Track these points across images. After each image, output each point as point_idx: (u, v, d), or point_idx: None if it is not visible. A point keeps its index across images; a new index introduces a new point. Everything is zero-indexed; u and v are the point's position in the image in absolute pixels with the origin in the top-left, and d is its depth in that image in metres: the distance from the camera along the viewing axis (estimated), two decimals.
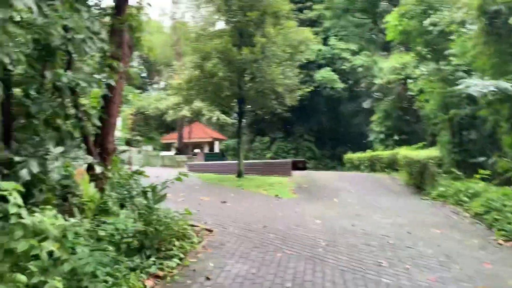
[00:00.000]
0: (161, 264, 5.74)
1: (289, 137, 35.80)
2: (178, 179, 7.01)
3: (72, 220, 4.29)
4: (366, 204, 11.84)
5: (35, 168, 5.05)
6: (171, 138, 45.24)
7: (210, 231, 8.17)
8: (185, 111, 30.04)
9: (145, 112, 38.07)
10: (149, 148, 43.65)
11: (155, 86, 56.23)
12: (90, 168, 7.43)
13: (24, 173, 4.92)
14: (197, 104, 26.30)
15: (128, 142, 43.21)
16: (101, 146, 8.15)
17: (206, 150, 43.93)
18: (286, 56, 16.50)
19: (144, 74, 55.25)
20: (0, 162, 5.19)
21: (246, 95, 17.69)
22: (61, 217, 4.16)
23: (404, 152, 17.40)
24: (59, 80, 5.73)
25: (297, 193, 14.38)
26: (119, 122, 31.39)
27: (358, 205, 11.69)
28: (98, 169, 5.80)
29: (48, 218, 3.97)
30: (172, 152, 33.46)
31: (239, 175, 18.20)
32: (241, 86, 17.26)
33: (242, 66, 16.45)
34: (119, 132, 34.77)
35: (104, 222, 5.52)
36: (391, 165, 21.31)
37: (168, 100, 31.87)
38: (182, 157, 35.20)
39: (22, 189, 4.36)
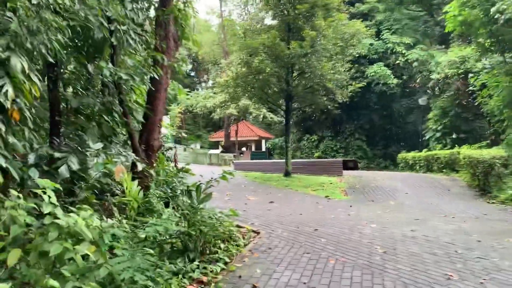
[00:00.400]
0: (204, 268, 5.35)
1: (338, 135, 34.74)
2: (224, 178, 6.60)
3: (110, 221, 3.96)
4: (425, 208, 10.92)
5: (75, 165, 4.82)
6: (219, 136, 45.50)
7: (257, 233, 7.71)
8: (232, 109, 29.89)
9: (193, 111, 38.38)
10: (197, 146, 44.17)
11: (203, 84, 56.88)
12: (134, 165, 7.21)
13: (63, 170, 4.69)
14: (244, 101, 26.05)
15: (177, 140, 43.98)
16: (146, 143, 7.93)
17: (253, 148, 43.75)
18: (336, 50, 15.75)
19: (192, 73, 56.15)
20: (42, 159, 5.03)
21: (294, 92, 17.11)
22: (98, 218, 3.85)
23: (466, 152, 16.09)
24: (101, 74, 5.50)
25: (349, 194, 13.65)
26: (167, 120, 31.87)
27: (416, 208, 10.79)
28: (139, 167, 5.47)
29: (83, 219, 3.66)
30: (218, 151, 33.50)
31: (287, 174, 17.67)
32: (289, 82, 16.72)
33: (290, 61, 15.90)
34: (167, 129, 35.40)
35: (145, 223, 5.21)
36: (450, 165, 19.93)
37: (215, 98, 31.87)
38: (229, 155, 35.19)
39: (59, 187, 4.13)
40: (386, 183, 15.94)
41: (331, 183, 15.85)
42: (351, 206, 10.79)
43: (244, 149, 30.49)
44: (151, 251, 4.52)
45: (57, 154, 4.89)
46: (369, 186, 15.24)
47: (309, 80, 16.84)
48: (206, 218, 6.05)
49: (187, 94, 39.41)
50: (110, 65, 5.42)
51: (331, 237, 7.17)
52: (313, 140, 34.98)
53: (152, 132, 8.16)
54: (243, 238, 7.18)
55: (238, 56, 17.46)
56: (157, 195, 7.17)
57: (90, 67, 5.44)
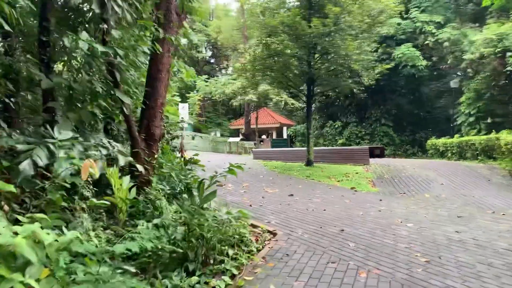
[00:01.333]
0: (206, 284, 4.37)
1: (363, 121, 33.18)
2: (231, 171, 5.55)
3: (69, 234, 2.97)
4: (467, 201, 9.62)
5: (43, 160, 3.85)
6: (239, 124, 44.55)
7: (274, 234, 6.67)
8: (251, 95, 28.74)
9: (212, 98, 37.44)
10: (217, 134, 43.36)
11: (223, 71, 55.77)
12: (135, 155, 6.29)
13: (25, 166, 3.72)
14: (264, 87, 24.89)
15: (196, 129, 43.23)
16: (146, 131, 6.94)
17: (274, 136, 42.62)
18: (363, 27, 14.35)
19: (212, 60, 55.11)
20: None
21: (316, 74, 15.85)
22: (50, 231, 2.87)
23: (509, 137, 14.55)
24: (77, 47, 4.49)
25: (377, 185, 12.43)
26: (185, 108, 30.94)
27: (456, 202, 9.51)
28: (121, 161, 4.47)
29: (26, 233, 2.68)
30: (238, 139, 32.51)
31: (309, 163, 16.53)
32: (310, 64, 15.47)
33: (312, 41, 14.63)
34: (186, 117, 34.67)
35: (122, 236, 4.22)
36: (486, 152, 18.35)
37: (234, 85, 30.78)
38: (249, 143, 34.19)
39: (13, 189, 3.18)
40: (417, 172, 14.60)
41: (357, 173, 14.63)
42: (381, 200, 9.60)
43: (264, 137, 29.41)
44: (131, 269, 3.52)
45: (20, 146, 3.92)
46: (399, 176, 13.94)
47: (332, 61, 15.56)
48: (210, 221, 5.03)
49: (206, 81, 38.48)
50: (86, 36, 4.39)
51: (360, 240, 6.06)
52: (336, 126, 33.56)
53: (152, 119, 7.15)
54: (257, 241, 6.16)
55: (256, 37, 16.26)
56: (153, 194, 6.20)
57: (67, 40, 4.43)
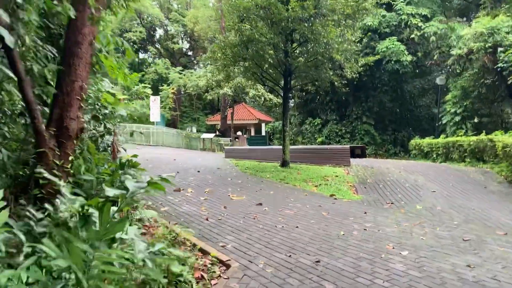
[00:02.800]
0: None
1: (344, 119, 31.76)
2: (156, 186, 3.79)
3: None
4: (467, 217, 8.07)
5: None
6: (216, 119, 42.68)
7: (227, 266, 4.95)
8: (226, 89, 26.92)
9: (186, 91, 35.43)
10: (193, 129, 41.40)
11: (201, 64, 53.65)
12: (40, 157, 4.55)
13: None
14: (238, 80, 23.12)
15: (169, 123, 41.12)
16: (57, 124, 5.10)
17: (252, 132, 40.91)
18: (346, 11, 12.70)
19: (190, 53, 52.89)
20: None
21: (294, 65, 14.16)
22: None
23: (505, 139, 13.18)
24: None
25: (360, 192, 10.82)
26: (157, 101, 28.97)
27: (456, 217, 7.96)
28: None
29: None
30: (212, 135, 30.66)
31: (284, 164, 14.86)
32: (287, 53, 13.75)
33: (289, 26, 12.93)
34: (158, 110, 32.66)
35: None
36: (475, 154, 17.05)
37: (208, 77, 28.90)
38: (225, 140, 32.43)
39: None
40: (403, 176, 13.10)
41: (337, 176, 13.03)
42: (365, 213, 7.97)
43: (239, 133, 27.72)
44: None
45: None
46: (384, 180, 12.40)
47: (312, 51, 13.90)
48: (110, 266, 3.25)
49: (180, 73, 36.41)
50: None
51: (342, 279, 4.37)
52: (316, 124, 32.03)
53: (67, 108, 5.32)
54: (199, 281, 4.42)
55: (227, 21, 14.45)
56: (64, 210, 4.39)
57: None
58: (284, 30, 13.30)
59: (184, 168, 14.57)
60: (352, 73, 14.85)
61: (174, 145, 31.76)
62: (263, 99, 34.02)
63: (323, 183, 11.88)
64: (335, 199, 9.83)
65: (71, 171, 5.49)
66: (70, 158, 5.35)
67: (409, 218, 7.71)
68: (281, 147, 17.31)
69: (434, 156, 21.24)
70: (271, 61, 14.25)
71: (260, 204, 8.71)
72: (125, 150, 8.22)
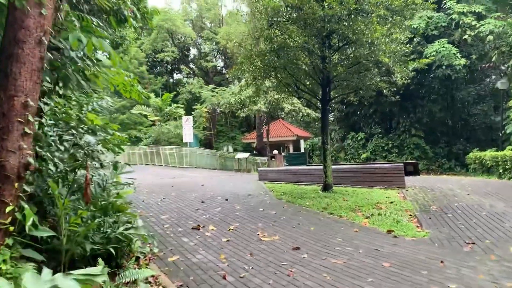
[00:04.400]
0: None
1: (390, 132, 29.18)
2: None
3: None
4: None
5: None
6: (252, 137, 41.06)
7: None
8: (260, 105, 25.19)
9: (220, 109, 34.06)
10: (229, 149, 39.95)
11: (236, 82, 52.54)
12: None
13: None
14: (272, 95, 21.34)
15: (202, 144, 39.84)
16: None
17: (291, 149, 38.86)
18: (394, 3, 10.63)
19: (224, 71, 51.92)
20: None
21: (333, 72, 12.17)
22: None
23: None
24: None
25: (425, 225, 8.52)
26: (190, 121, 27.55)
27: None
28: None
29: None
30: (247, 154, 28.91)
31: (326, 188, 12.75)
32: (325, 59, 11.80)
33: (326, 27, 11.01)
34: (191, 131, 31.42)
35: None
36: None
37: (241, 93, 27.28)
38: (262, 159, 30.57)
39: None
40: (475, 200, 10.65)
41: (391, 203, 10.78)
42: (442, 263, 5.77)
43: (275, 152, 25.77)
44: None
45: None
46: (451, 206, 10.01)
47: (353, 56, 11.88)
48: None
49: (212, 91, 35.15)
50: None
51: None
52: (359, 138, 29.58)
53: (2, 136, 3.65)
54: None
55: (254, 27, 12.73)
56: None
57: None
58: (320, 33, 11.39)
59: (210, 196, 12.79)
60: (403, 78, 12.63)
61: (208, 166, 30.28)
62: (300, 114, 32.06)
63: (375, 212, 9.68)
64: (395, 237, 7.63)
65: (12, 227, 3.80)
66: (8, 208, 3.67)
67: (509, 270, 5.44)
68: (321, 166, 15.23)
69: (500, 171, 18.33)
70: (306, 69, 12.34)
71: (298, 248, 6.69)
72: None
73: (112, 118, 40.40)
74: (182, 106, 35.90)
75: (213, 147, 39.89)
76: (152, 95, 35.77)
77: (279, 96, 15.96)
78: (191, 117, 31.38)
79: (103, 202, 4.68)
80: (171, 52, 41.94)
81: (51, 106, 5.78)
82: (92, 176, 4.93)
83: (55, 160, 4.44)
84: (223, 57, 49.68)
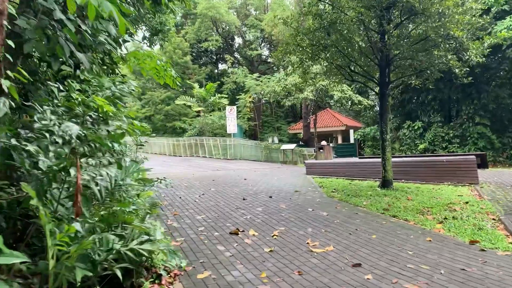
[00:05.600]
0: None
1: (451, 120, 26.64)
2: None
3: None
4: None
5: None
6: (299, 127, 39.52)
7: None
8: (307, 93, 23.62)
9: (264, 98, 32.79)
10: (275, 140, 38.70)
11: (281, 70, 51.00)
12: None
13: None
14: (319, 79, 19.71)
15: (254, 135, 38.80)
16: None
17: (340, 140, 36.95)
18: None
19: (270, 60, 50.50)
20: None
21: (394, 50, 10.48)
22: None
23: None
24: None
25: None
26: (234, 111, 26.54)
27: None
28: None
29: None
30: (293, 145, 27.46)
31: (385, 184, 11.16)
32: (384, 34, 10.15)
33: None
34: (235, 121, 30.42)
35: None
36: None
37: (286, 81, 25.86)
38: (310, 150, 29.05)
39: None
40: None
41: (466, 203, 9.06)
42: None
43: (324, 142, 24.11)
44: None
45: None
46: None
47: (419, 28, 10.14)
48: None
49: (257, 80, 33.91)
50: None
51: None
52: (416, 128, 27.25)
53: None
54: None
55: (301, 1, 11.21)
56: None
57: None
58: (379, 4, 9.74)
59: (253, 192, 11.59)
60: (477, 55, 10.69)
61: (252, 158, 29.18)
62: (350, 103, 30.14)
63: (449, 216, 8.03)
64: (482, 250, 6.02)
65: None
66: None
67: None
68: (376, 160, 13.61)
69: None
70: (362, 47, 10.71)
71: (359, 264, 5.30)
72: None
73: (158, 109, 40.37)
74: (226, 96, 34.98)
75: (258, 138, 38.78)
76: (196, 85, 35.16)
77: (329, 81, 14.38)
78: (235, 107, 30.38)
79: (103, 212, 3.54)
80: (215, 41, 41.09)
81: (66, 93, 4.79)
82: (94, 176, 3.80)
83: (40, 157, 3.33)
84: (268, 45, 48.27)
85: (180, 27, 48.09)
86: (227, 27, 44.49)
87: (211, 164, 25.71)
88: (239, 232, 6.99)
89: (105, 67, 8.55)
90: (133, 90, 6.15)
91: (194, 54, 46.86)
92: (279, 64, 29.78)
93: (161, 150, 35.85)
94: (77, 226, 3.34)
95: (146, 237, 4.16)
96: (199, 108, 33.94)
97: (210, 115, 33.87)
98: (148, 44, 20.85)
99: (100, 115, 4.78)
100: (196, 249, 6.14)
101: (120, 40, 8.16)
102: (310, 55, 11.36)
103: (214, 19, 40.67)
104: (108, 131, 4.48)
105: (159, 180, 7.95)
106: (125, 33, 4.56)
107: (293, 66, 12.68)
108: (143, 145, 7.34)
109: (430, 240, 6.51)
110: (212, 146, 30.70)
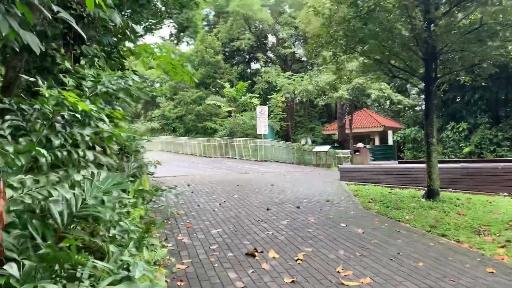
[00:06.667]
0: None
1: (500, 122, 24.47)
2: None
3: None
4: None
5: None
6: (333, 128, 38.00)
7: None
8: (342, 91, 22.22)
9: (296, 97, 31.55)
10: (308, 141, 37.38)
11: (316, 69, 49.51)
12: None
13: None
14: (357, 80, 18.37)
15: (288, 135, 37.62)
16: None
17: (377, 142, 35.14)
18: None
19: (304, 58, 49.14)
20: None
21: (441, 40, 9.10)
22: None
23: None
24: None
25: None
26: (265, 111, 25.49)
27: None
28: None
29: None
30: (326, 147, 26.06)
31: (431, 194, 9.76)
32: (432, 21, 8.80)
33: None
34: (266, 122, 29.35)
35: None
36: None
37: (319, 78, 24.53)
38: (345, 152, 27.58)
39: None
40: None
41: None
42: None
43: (360, 144, 22.65)
44: None
45: None
46: None
47: (472, 14, 8.72)
48: None
49: (289, 78, 32.69)
50: None
51: None
52: (461, 129, 25.24)
53: None
54: None
55: None
56: None
57: None
58: None
59: (279, 200, 10.49)
60: None
61: (283, 159, 28.03)
62: (388, 103, 28.42)
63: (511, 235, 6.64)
64: None
65: None
66: None
67: None
68: (418, 165, 12.20)
69: None
70: (405, 36, 9.38)
71: None
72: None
73: (189, 109, 39.93)
74: (258, 96, 34.00)
75: (290, 139, 37.56)
76: (227, 84, 34.38)
77: (365, 79, 13.07)
78: (266, 107, 29.33)
79: (43, 251, 2.57)
80: (247, 40, 40.21)
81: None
82: (44, 198, 2.84)
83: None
84: (302, 43, 46.92)
85: (212, 26, 47.56)
86: (260, 25, 43.52)
87: (240, 166, 24.79)
88: (256, 254, 5.92)
89: (113, 62, 7.73)
90: (129, 85, 5.21)
91: (227, 53, 46.19)
92: (311, 58, 28.44)
93: (192, 151, 35.33)
94: (11, 269, 2.38)
95: (122, 274, 3.17)
96: (230, 108, 33.13)
97: (241, 115, 32.98)
98: (175, 41, 20.25)
99: (77, 115, 3.85)
100: (203, 275, 5.13)
101: (128, 31, 7.30)
102: (344, 48, 10.14)
103: (247, 17, 39.77)
104: (81, 134, 3.53)
105: (168, 189, 7.02)
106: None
107: (325, 61, 11.46)
108: (139, 151, 6.43)
109: (492, 272, 5.21)
110: (242, 147, 29.79)
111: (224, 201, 10.32)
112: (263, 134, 28.66)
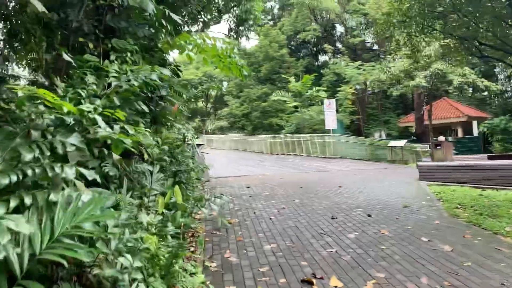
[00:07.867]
0: None
1: None
2: None
3: None
4: None
5: None
6: (410, 120, 35.30)
7: None
8: (419, 79, 20.03)
9: (368, 88, 29.49)
10: (383, 134, 35.08)
11: (388, 58, 46.46)
12: None
13: None
14: (436, 66, 16.31)
15: (359, 131, 35.63)
16: None
17: (460, 133, 31.91)
18: None
19: (375, 47, 46.33)
20: None
21: None
22: None
23: None
24: None
25: None
26: (332, 104, 24.09)
27: None
28: None
29: None
30: (402, 142, 23.82)
31: None
32: None
33: None
34: (334, 116, 27.73)
35: None
36: None
37: (394, 66, 22.41)
38: (424, 147, 25.22)
39: None
40: None
41: None
42: None
43: (442, 137, 20.23)
44: None
45: None
46: None
47: None
48: None
49: (359, 68, 30.64)
50: None
51: None
52: None
53: None
54: None
55: None
56: None
57: None
58: None
59: (347, 206, 9.23)
60: None
61: (354, 156, 26.24)
62: (471, 90, 25.43)
63: None
64: None
65: None
66: None
67: None
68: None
69: None
70: (496, 9, 7.63)
71: None
72: None
73: (254, 106, 39.37)
74: (325, 89, 32.38)
75: (362, 133, 35.43)
76: (292, 79, 33.21)
77: (447, 63, 11.24)
78: (333, 100, 27.71)
79: None
80: (313, 31, 38.63)
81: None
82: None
83: None
84: (373, 30, 44.22)
85: (277, 20, 46.55)
86: (327, 15, 41.67)
87: (307, 163, 23.53)
88: (314, 282, 4.81)
89: (151, 57, 7.03)
90: (151, 79, 4.37)
91: (292, 47, 44.94)
92: (380, 41, 26.19)
93: (259, 148, 34.71)
94: None
95: None
96: (295, 103, 31.92)
97: (308, 110, 31.62)
98: (234, 36, 19.51)
99: (68, 119, 3.04)
100: None
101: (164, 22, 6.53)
102: (421, 27, 8.58)
103: (312, 7, 38.19)
104: (63, 144, 2.70)
105: (213, 199, 6.14)
106: None
107: (398, 43, 9.94)
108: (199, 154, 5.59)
109: None
110: (310, 144, 28.46)
111: (283, 207, 9.28)
112: (332, 129, 27.12)
